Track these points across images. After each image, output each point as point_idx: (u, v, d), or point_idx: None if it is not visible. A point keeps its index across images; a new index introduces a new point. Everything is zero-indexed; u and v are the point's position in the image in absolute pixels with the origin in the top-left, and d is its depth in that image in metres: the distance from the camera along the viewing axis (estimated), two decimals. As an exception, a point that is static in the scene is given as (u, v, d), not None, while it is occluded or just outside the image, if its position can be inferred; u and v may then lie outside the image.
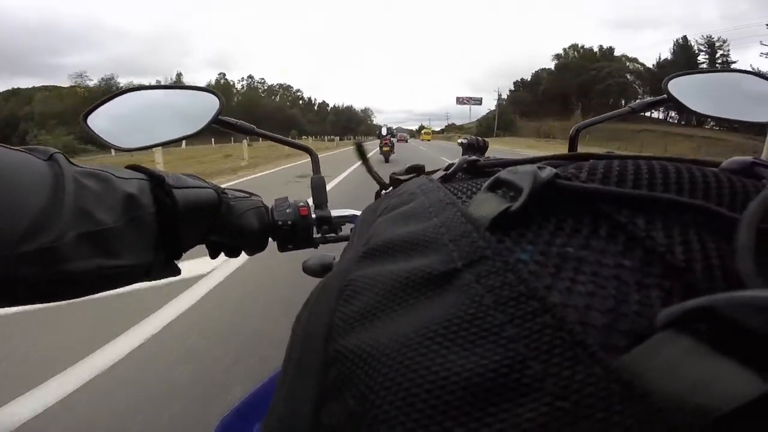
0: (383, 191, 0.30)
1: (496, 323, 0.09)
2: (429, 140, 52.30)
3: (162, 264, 0.37)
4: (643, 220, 0.11)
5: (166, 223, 0.35)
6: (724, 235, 0.11)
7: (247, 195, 0.45)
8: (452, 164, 0.21)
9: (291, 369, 0.12)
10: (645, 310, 0.09)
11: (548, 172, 0.13)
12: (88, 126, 0.47)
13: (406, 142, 35.81)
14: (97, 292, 0.32)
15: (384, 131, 11.60)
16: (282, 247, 0.47)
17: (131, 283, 0.35)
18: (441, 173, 0.22)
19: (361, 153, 0.35)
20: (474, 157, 0.21)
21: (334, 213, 0.50)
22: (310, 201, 0.51)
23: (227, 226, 0.41)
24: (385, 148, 10.61)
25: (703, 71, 0.49)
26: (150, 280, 0.37)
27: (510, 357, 0.08)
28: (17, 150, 0.27)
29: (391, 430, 0.08)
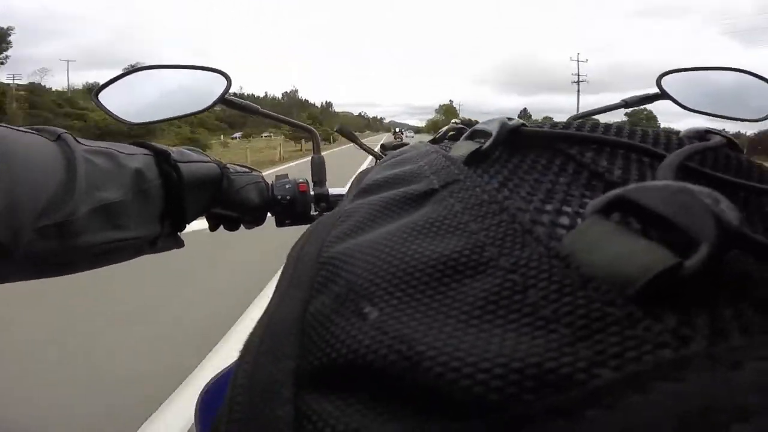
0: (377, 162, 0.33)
1: (462, 221, 0.11)
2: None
3: (167, 236, 0.39)
4: (592, 153, 0.13)
5: (171, 195, 0.37)
6: (657, 168, 0.12)
7: (249, 170, 0.47)
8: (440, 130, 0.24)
9: (284, 283, 0.14)
10: (582, 210, 0.11)
11: (516, 122, 0.15)
12: (99, 102, 0.50)
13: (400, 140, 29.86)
14: (105, 265, 0.34)
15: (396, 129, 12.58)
16: (280, 222, 0.49)
17: (138, 255, 0.37)
18: (430, 138, 0.24)
19: (351, 134, 0.38)
20: (461, 125, 0.24)
21: (332, 191, 0.52)
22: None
23: (228, 200, 0.43)
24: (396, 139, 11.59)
25: (696, 68, 0.50)
26: (155, 252, 0.39)
27: (471, 243, 0.10)
28: (27, 131, 0.29)
29: (370, 302, 0.10)
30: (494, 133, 0.15)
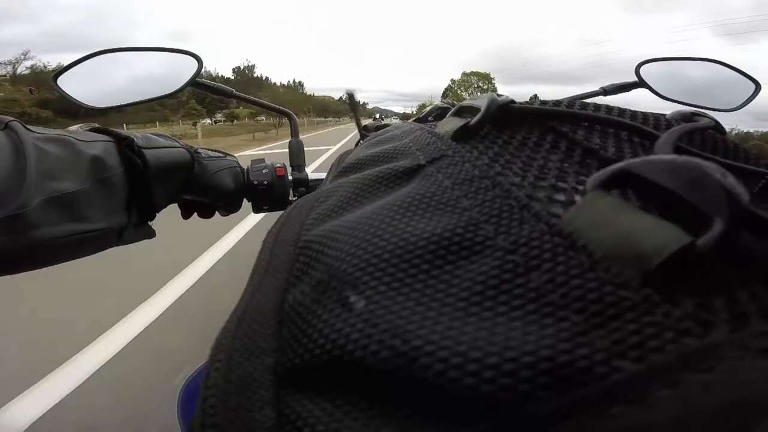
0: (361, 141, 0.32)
1: (452, 197, 0.10)
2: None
3: (135, 226, 0.37)
4: (584, 131, 0.13)
5: (136, 184, 0.35)
6: (648, 148, 0.12)
7: (222, 155, 0.45)
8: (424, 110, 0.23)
9: (259, 272, 0.12)
10: (580, 186, 0.10)
11: (505, 98, 0.15)
12: (58, 86, 0.46)
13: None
14: (70, 259, 0.32)
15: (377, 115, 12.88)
16: (257, 208, 0.47)
17: (105, 248, 0.35)
18: (414, 118, 0.23)
19: (353, 103, 0.38)
20: (446, 106, 0.23)
21: (312, 176, 0.50)
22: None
23: (201, 186, 0.41)
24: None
25: (674, 58, 0.51)
26: (123, 244, 0.37)
27: (464, 221, 0.09)
28: None
29: (356, 289, 0.08)
30: (483, 109, 0.14)
